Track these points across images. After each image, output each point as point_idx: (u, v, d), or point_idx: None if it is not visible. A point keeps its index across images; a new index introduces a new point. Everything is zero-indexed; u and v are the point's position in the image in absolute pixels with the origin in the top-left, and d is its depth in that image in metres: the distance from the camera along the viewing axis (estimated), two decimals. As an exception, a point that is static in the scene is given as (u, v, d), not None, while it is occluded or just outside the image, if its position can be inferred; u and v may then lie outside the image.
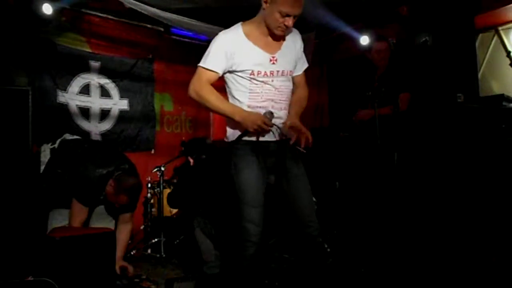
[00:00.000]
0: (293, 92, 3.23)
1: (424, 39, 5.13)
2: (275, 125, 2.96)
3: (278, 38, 3.05)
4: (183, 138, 6.48)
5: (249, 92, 2.98)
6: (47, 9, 5.37)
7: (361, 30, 6.12)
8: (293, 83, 3.24)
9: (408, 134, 4.60)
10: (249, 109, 2.95)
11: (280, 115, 3.04)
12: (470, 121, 4.46)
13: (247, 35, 2.99)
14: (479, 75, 5.66)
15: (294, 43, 3.16)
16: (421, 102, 4.73)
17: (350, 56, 6.75)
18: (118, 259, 4.13)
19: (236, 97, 3.02)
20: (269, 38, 3.03)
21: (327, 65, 7.55)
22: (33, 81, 5.52)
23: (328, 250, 4.97)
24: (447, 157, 4.22)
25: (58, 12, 5.63)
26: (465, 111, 4.65)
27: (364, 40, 5.63)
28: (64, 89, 5.92)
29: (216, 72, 2.98)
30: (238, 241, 2.89)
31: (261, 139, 2.98)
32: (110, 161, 4.29)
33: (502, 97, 4.97)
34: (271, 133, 2.97)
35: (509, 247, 3.29)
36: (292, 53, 3.13)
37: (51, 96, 5.78)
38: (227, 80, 3.08)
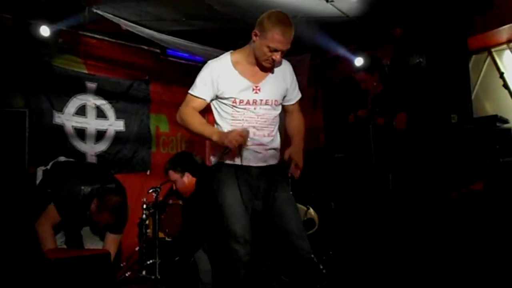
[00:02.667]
0: (284, 118, 3.30)
1: (418, 60, 5.18)
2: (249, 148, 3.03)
3: (266, 69, 3.08)
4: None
5: (231, 119, 3.04)
6: (45, 31, 5.41)
7: (356, 51, 6.16)
8: (286, 111, 3.30)
9: (402, 155, 4.61)
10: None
11: (263, 141, 3.07)
12: (464, 142, 4.49)
13: (235, 63, 3.04)
14: (473, 96, 5.70)
15: (283, 75, 3.19)
16: (415, 123, 4.75)
17: (345, 78, 6.80)
18: None
19: (219, 123, 3.10)
20: (256, 68, 3.07)
21: (322, 86, 7.59)
22: (30, 102, 5.53)
23: (324, 271, 4.95)
24: (441, 178, 4.23)
25: (55, 34, 5.65)
26: (459, 131, 4.68)
27: (359, 61, 5.67)
28: (60, 110, 5.93)
29: (203, 99, 3.06)
30: (229, 263, 2.90)
31: (243, 163, 3.01)
32: (96, 179, 4.29)
33: (495, 118, 5.02)
34: (252, 158, 3.02)
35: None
36: (279, 84, 3.15)
37: (47, 117, 5.78)
38: (212, 107, 3.16)
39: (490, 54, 5.91)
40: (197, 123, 3.04)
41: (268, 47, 2.89)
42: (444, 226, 3.74)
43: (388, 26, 6.03)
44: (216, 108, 3.14)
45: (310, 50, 6.73)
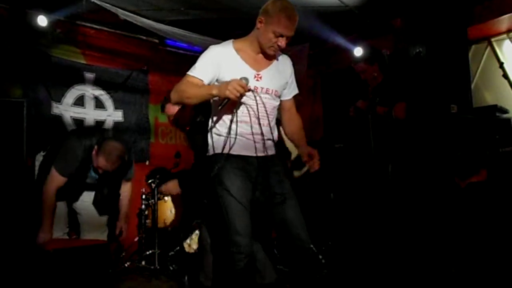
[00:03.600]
0: (280, 114, 3.31)
1: (418, 50, 5.16)
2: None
3: (268, 58, 3.10)
4: (178, 149, 6.47)
5: (232, 108, 2.98)
6: (42, 21, 5.39)
7: (355, 41, 6.14)
8: (283, 108, 3.30)
9: (402, 145, 4.61)
10: (232, 123, 2.98)
11: (263, 131, 3.05)
12: (464, 132, 4.48)
13: (238, 50, 3.04)
14: (472, 86, 5.69)
15: (283, 68, 3.21)
16: (415, 113, 4.74)
17: (344, 68, 6.77)
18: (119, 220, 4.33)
19: (217, 110, 3.02)
20: (259, 56, 3.09)
21: (321, 76, 7.57)
22: (28, 93, 5.51)
23: (323, 261, 4.95)
24: (440, 168, 4.23)
25: (53, 24, 5.64)
26: (459, 121, 4.67)
27: (358, 51, 5.65)
28: (59, 100, 5.91)
29: (201, 80, 2.98)
30: (228, 255, 2.88)
31: (242, 153, 3.00)
32: (95, 133, 4.29)
33: (495, 108, 5.01)
34: (251, 147, 3.01)
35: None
36: (280, 75, 3.17)
37: (46, 108, 5.77)
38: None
39: (490, 44, 5.90)
40: (194, 88, 2.95)
41: (274, 32, 2.91)
42: (443, 217, 3.74)
43: (388, 16, 6.01)
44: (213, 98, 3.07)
45: (309, 40, 6.71)
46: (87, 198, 4.50)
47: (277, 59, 3.18)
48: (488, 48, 5.92)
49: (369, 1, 5.57)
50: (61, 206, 4.35)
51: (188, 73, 3.04)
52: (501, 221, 3.31)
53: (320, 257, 4.96)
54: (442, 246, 3.58)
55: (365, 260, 4.61)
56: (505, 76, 4.90)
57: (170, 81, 7.19)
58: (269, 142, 3.11)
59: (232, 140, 2.95)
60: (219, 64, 2.97)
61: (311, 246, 3.05)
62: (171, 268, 4.99)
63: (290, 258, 3.12)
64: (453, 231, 3.49)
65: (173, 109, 4.18)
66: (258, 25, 2.98)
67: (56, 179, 4.08)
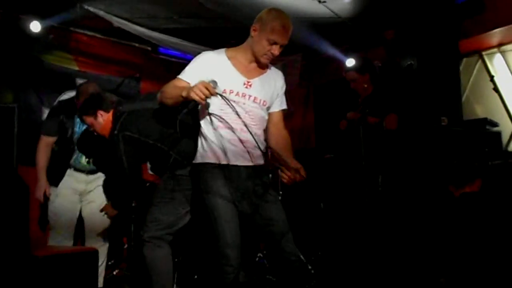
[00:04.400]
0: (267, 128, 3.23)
1: (409, 62, 5.19)
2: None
3: (261, 67, 3.09)
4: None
5: (219, 112, 2.95)
6: (35, 26, 5.39)
7: (348, 52, 6.18)
8: (270, 121, 3.22)
9: (392, 157, 4.62)
10: (219, 130, 2.95)
11: (249, 140, 2.98)
12: (454, 145, 4.50)
13: (230, 57, 3.02)
14: (463, 98, 5.74)
15: (274, 80, 3.18)
16: (406, 125, 4.77)
17: (336, 78, 6.80)
18: None
19: (206, 116, 2.99)
20: (251, 65, 3.07)
21: (314, 87, 7.60)
22: (19, 98, 5.50)
23: (312, 271, 4.96)
24: (430, 180, 4.24)
25: (46, 30, 5.64)
26: (449, 134, 4.70)
27: (350, 62, 5.68)
28: (50, 106, 5.89)
29: (188, 83, 2.93)
30: (218, 267, 2.83)
31: (230, 163, 2.94)
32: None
33: (485, 121, 5.04)
34: (240, 157, 2.96)
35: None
36: (270, 87, 3.13)
37: (37, 114, 5.75)
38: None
39: (481, 57, 5.94)
40: (172, 89, 2.94)
41: (268, 40, 2.91)
42: (433, 228, 3.75)
43: (380, 28, 6.04)
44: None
45: (302, 50, 6.74)
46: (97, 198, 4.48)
47: (270, 70, 3.17)
48: (479, 62, 5.96)
49: (361, 13, 5.61)
50: (70, 215, 4.40)
51: (178, 76, 3.03)
52: (492, 232, 3.33)
53: (310, 267, 4.97)
54: (432, 256, 3.59)
55: (355, 270, 4.61)
56: (496, 89, 4.94)
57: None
58: (257, 152, 3.06)
59: (220, 148, 2.93)
60: (208, 69, 2.95)
61: (298, 257, 3.02)
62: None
63: (278, 268, 3.06)
64: (444, 241, 3.50)
65: (90, 119, 3.94)
66: (252, 33, 2.97)
67: (44, 140, 4.38)
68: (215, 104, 2.94)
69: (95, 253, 3.82)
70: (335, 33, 6.08)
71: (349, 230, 5.07)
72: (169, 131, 3.45)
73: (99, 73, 6.49)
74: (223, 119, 2.93)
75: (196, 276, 4.82)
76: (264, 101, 3.09)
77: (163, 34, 6.06)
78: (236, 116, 2.93)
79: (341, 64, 6.12)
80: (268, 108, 3.17)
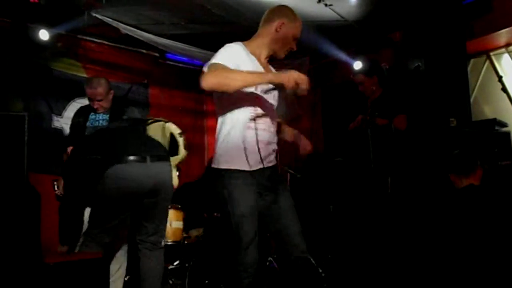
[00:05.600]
0: None
1: (416, 64, 5.18)
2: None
3: (269, 64, 3.07)
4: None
5: (250, 111, 2.84)
6: (44, 35, 5.42)
7: (355, 55, 6.17)
8: None
9: (401, 158, 4.61)
10: (248, 130, 2.82)
11: (272, 139, 2.96)
12: (463, 146, 4.49)
13: (252, 52, 2.94)
14: (471, 99, 5.71)
15: None
16: (414, 126, 4.76)
17: (344, 81, 6.80)
18: None
19: (234, 116, 2.84)
20: (265, 62, 3.03)
21: (321, 90, 7.59)
22: (29, 106, 5.54)
23: (323, 275, 4.95)
24: (439, 182, 4.23)
25: (54, 38, 5.67)
26: (458, 135, 4.68)
27: (357, 65, 5.68)
28: (59, 114, 5.93)
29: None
30: (235, 272, 2.78)
31: (259, 167, 2.83)
32: None
33: (494, 121, 5.02)
34: (264, 157, 2.85)
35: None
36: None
37: (46, 121, 5.79)
38: (223, 97, 2.87)
39: (489, 57, 5.92)
40: (242, 73, 2.69)
41: (294, 36, 2.97)
42: (443, 230, 3.74)
43: (387, 30, 6.04)
44: (228, 102, 2.85)
45: (309, 54, 6.75)
46: None
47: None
48: (487, 62, 5.95)
49: (368, 15, 5.61)
50: None
51: (212, 62, 2.78)
52: (499, 233, 3.31)
53: (320, 270, 4.96)
54: (441, 258, 3.58)
55: (365, 273, 4.60)
56: (504, 89, 4.92)
57: (170, 94, 7.24)
58: (275, 150, 3.02)
59: (250, 151, 2.80)
60: (239, 61, 2.79)
61: (308, 256, 2.98)
62: (170, 282, 4.97)
63: (288, 268, 3.02)
64: (453, 244, 3.48)
65: None
66: (278, 28, 2.94)
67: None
68: (243, 98, 2.82)
69: (105, 260, 3.83)
70: (342, 36, 6.08)
71: (358, 233, 5.07)
72: None
73: (107, 80, 6.52)
74: (253, 118, 2.83)
75: (207, 281, 4.83)
76: (277, 96, 3.07)
77: (170, 40, 6.09)
78: (264, 114, 2.89)
79: (349, 67, 6.11)
80: None
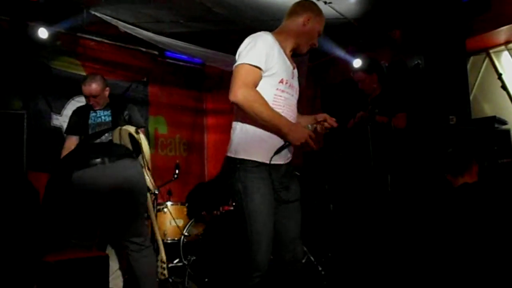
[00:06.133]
0: None
1: (416, 62, 5.18)
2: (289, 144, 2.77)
3: (292, 57, 3.00)
4: (178, 161, 6.48)
5: (272, 102, 2.74)
6: (43, 33, 5.42)
7: (354, 53, 6.17)
8: None
9: (401, 157, 4.61)
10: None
11: None
12: (456, 144, 4.48)
13: (279, 44, 2.85)
14: (471, 97, 5.71)
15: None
16: (414, 124, 4.76)
17: (344, 79, 6.79)
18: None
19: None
20: (289, 54, 2.95)
21: (321, 88, 7.59)
22: (28, 105, 5.53)
23: (323, 273, 4.95)
24: (438, 180, 4.23)
25: (53, 36, 5.67)
26: (458, 133, 4.68)
27: (357, 63, 5.68)
28: (59, 112, 5.93)
29: (261, 70, 2.69)
30: (246, 271, 2.70)
31: (277, 162, 2.75)
32: None
33: (494, 119, 5.01)
34: (283, 153, 2.79)
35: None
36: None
37: (46, 119, 5.79)
38: None
39: (488, 55, 5.92)
40: (270, 111, 2.64)
41: (319, 31, 2.97)
42: (443, 228, 3.74)
43: (386, 28, 6.03)
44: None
45: (309, 52, 6.73)
46: None
47: None
48: (487, 60, 5.95)
49: (368, 13, 5.60)
50: None
51: (242, 61, 2.67)
52: (499, 231, 3.31)
53: (320, 268, 4.97)
54: (439, 257, 3.58)
55: (365, 271, 4.60)
56: (504, 87, 4.93)
57: (170, 92, 7.24)
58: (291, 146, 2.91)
59: (269, 143, 2.73)
60: (272, 53, 2.72)
61: (303, 261, 2.93)
62: (170, 280, 4.97)
63: (281, 269, 2.92)
64: (449, 242, 3.48)
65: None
66: (305, 22, 2.91)
67: (68, 141, 4.29)
68: (268, 94, 2.74)
69: (106, 258, 3.83)
70: (342, 34, 6.07)
71: (358, 231, 5.07)
72: None
73: (106, 78, 6.49)
74: (278, 110, 2.75)
75: (206, 280, 4.83)
76: (298, 92, 3.03)
77: (169, 38, 6.08)
78: (287, 109, 2.84)
79: (348, 64, 6.11)
80: None
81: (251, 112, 2.60)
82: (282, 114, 2.74)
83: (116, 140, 3.79)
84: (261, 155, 2.71)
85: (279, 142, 2.73)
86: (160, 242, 3.80)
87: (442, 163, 3.75)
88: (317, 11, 2.97)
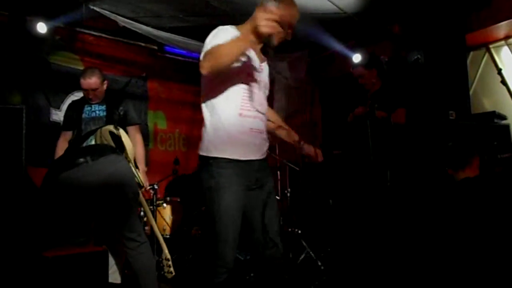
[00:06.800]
0: None
1: (416, 56, 5.17)
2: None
3: (261, 52, 2.91)
4: (177, 156, 6.47)
5: (242, 98, 2.73)
6: (42, 28, 5.40)
7: (354, 48, 6.16)
8: None
9: (401, 152, 4.61)
10: (240, 118, 2.71)
11: (262, 128, 2.85)
12: (457, 138, 4.48)
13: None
14: (471, 92, 5.71)
15: (269, 66, 3.03)
16: (414, 119, 4.75)
17: (343, 74, 6.79)
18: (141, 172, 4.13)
19: (226, 100, 2.73)
20: (257, 48, 2.86)
21: (320, 83, 7.59)
22: (27, 99, 5.52)
23: (322, 268, 4.96)
24: (438, 175, 4.23)
25: (52, 31, 5.66)
26: (457, 128, 4.68)
27: (356, 58, 5.67)
28: (58, 107, 5.92)
29: None
30: (212, 266, 2.68)
31: (248, 158, 2.73)
32: None
33: (493, 114, 5.02)
34: (254, 148, 2.76)
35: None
36: (268, 71, 3.00)
37: (45, 114, 5.78)
38: (212, 83, 2.75)
39: (488, 50, 5.92)
40: (227, 46, 2.51)
41: (289, 23, 2.79)
42: (442, 222, 3.75)
43: (386, 23, 6.03)
44: (220, 84, 2.73)
45: (308, 47, 6.73)
46: None
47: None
48: (486, 55, 5.94)
49: (367, 7, 5.58)
50: None
51: (207, 49, 2.64)
52: (500, 226, 3.31)
53: (319, 263, 4.97)
54: (438, 252, 3.58)
55: (365, 266, 4.61)
56: (503, 82, 4.91)
57: (169, 87, 7.23)
58: (265, 140, 2.90)
59: (240, 140, 2.71)
60: None
61: (283, 256, 2.85)
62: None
63: (261, 265, 2.87)
64: (449, 238, 3.48)
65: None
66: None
67: (62, 136, 4.46)
68: (234, 89, 2.72)
69: (104, 253, 3.83)
70: (341, 29, 6.05)
71: (358, 226, 5.07)
72: None
73: (105, 73, 6.46)
74: (245, 105, 2.73)
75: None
76: (268, 85, 2.97)
77: (169, 33, 6.06)
78: (255, 103, 2.78)
79: (348, 59, 6.10)
80: None
81: (219, 64, 2.50)
82: (247, 108, 2.73)
83: (98, 141, 3.80)
84: (233, 152, 2.70)
85: (249, 137, 2.73)
86: (161, 240, 3.78)
87: (443, 157, 3.74)
88: (286, 4, 2.79)
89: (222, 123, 2.71)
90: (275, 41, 2.77)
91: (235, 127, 2.70)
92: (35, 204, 4.36)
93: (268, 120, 3.02)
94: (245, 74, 2.74)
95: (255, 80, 2.78)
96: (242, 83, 2.73)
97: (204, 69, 2.53)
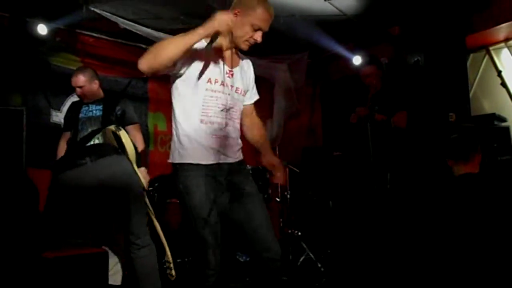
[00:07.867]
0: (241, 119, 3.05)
1: (416, 59, 5.18)
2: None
3: (236, 55, 2.93)
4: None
5: (203, 105, 2.75)
6: (42, 29, 5.41)
7: (354, 50, 6.16)
8: (245, 113, 3.06)
9: (401, 154, 4.61)
10: (201, 124, 2.74)
11: (232, 134, 2.87)
12: (468, 133, 4.49)
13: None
14: (471, 94, 5.72)
15: (248, 70, 3.04)
16: (414, 121, 4.76)
17: (343, 76, 6.80)
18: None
19: (186, 109, 2.78)
20: (228, 53, 2.87)
21: (320, 85, 7.59)
22: (27, 101, 5.52)
23: (322, 269, 4.96)
24: (438, 177, 4.24)
25: (52, 33, 5.66)
26: (457, 130, 4.68)
27: (357, 60, 5.68)
28: (58, 108, 5.92)
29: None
30: (199, 270, 2.69)
31: (214, 162, 2.76)
32: None
33: (493, 116, 5.03)
34: (222, 153, 2.78)
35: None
36: (246, 76, 3.00)
37: (45, 116, 5.77)
38: (175, 89, 2.84)
39: (488, 52, 5.92)
40: (175, 37, 2.61)
41: (253, 25, 2.72)
42: (442, 225, 3.75)
43: (386, 25, 6.03)
44: (182, 90, 2.80)
45: (308, 49, 6.73)
46: None
47: (243, 59, 3.02)
48: (486, 57, 5.95)
49: (367, 9, 5.59)
50: None
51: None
52: (498, 229, 3.32)
53: (319, 265, 4.98)
54: (440, 250, 3.58)
55: (365, 268, 4.61)
56: (503, 84, 4.91)
57: (169, 89, 7.20)
58: (239, 147, 2.94)
59: (203, 145, 2.75)
60: (191, 55, 2.68)
61: (280, 258, 2.82)
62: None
63: (258, 268, 2.85)
64: (449, 236, 3.49)
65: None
66: (234, 16, 2.73)
67: (62, 137, 4.42)
68: (198, 96, 2.75)
69: (105, 254, 3.83)
70: (341, 31, 6.06)
71: (358, 228, 5.07)
72: None
73: (106, 75, 6.49)
74: (207, 112, 2.75)
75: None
76: (244, 91, 2.96)
77: (169, 35, 6.06)
78: (221, 109, 2.78)
79: (348, 61, 6.11)
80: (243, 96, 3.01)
81: (158, 57, 2.57)
82: (209, 115, 2.75)
83: (101, 140, 3.80)
84: (196, 157, 2.74)
85: (213, 143, 2.76)
86: (165, 242, 3.77)
87: (445, 147, 3.71)
88: (251, 3, 2.73)
89: (184, 131, 2.77)
90: (242, 45, 2.81)
91: (196, 133, 2.75)
92: (35, 205, 4.37)
93: (252, 139, 3.10)
94: (205, 81, 2.74)
95: (221, 86, 2.78)
96: (206, 90, 2.75)
97: (140, 65, 2.61)
